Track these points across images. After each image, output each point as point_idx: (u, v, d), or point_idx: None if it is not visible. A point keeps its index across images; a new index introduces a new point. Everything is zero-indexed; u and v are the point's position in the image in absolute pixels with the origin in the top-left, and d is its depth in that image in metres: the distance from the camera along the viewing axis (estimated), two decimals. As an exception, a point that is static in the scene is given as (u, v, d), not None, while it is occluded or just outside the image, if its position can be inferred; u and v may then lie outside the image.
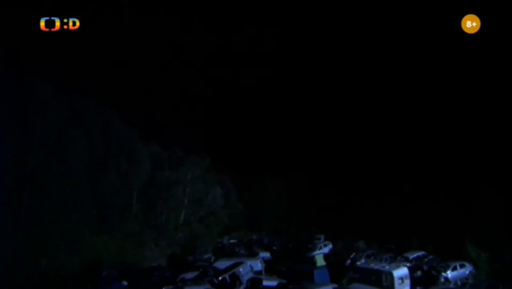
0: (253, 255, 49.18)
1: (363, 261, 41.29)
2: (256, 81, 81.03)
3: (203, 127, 71.35)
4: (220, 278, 36.27)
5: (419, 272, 36.64)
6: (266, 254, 49.34)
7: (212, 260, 46.98)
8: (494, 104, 44.90)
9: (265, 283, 34.66)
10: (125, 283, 36.16)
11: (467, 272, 36.07)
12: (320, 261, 42.58)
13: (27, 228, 40.09)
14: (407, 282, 33.24)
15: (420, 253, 40.80)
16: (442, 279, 34.82)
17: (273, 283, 34.89)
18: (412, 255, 40.32)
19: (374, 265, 36.10)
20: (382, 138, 61.31)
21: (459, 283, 34.51)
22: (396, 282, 32.17)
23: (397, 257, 41.27)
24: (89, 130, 48.54)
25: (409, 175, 53.67)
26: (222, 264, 41.09)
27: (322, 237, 55.53)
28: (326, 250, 49.73)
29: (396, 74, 58.61)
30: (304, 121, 74.65)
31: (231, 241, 60.20)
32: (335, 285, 32.57)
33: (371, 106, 66.28)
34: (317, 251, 48.40)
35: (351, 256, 43.93)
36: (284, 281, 35.43)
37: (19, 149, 40.76)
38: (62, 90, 45.31)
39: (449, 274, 35.21)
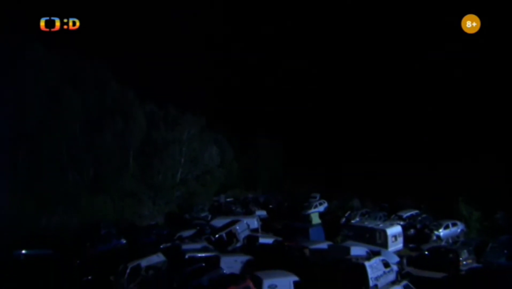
0: (249, 213, 49.76)
1: (357, 219, 41.99)
2: (254, 39, 79.81)
3: (199, 86, 70.71)
4: (217, 235, 36.68)
5: (412, 230, 37.34)
6: (262, 212, 50.00)
7: (209, 218, 47.40)
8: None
9: (261, 240, 34.99)
10: (124, 241, 36.62)
11: (459, 230, 36.79)
12: (316, 219, 43.05)
13: (25, 187, 40.23)
14: (400, 239, 33.98)
15: (414, 211, 41.52)
16: (434, 237, 35.55)
17: (269, 240, 35.21)
18: (406, 214, 41.08)
19: (368, 223, 36.80)
20: (376, 97, 61.35)
21: (450, 241, 35.29)
22: (390, 239, 32.85)
23: (391, 216, 42.05)
24: (84, 89, 47.80)
25: (404, 135, 53.94)
26: (218, 222, 41.50)
27: (318, 195, 56.22)
28: (321, 208, 50.33)
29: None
30: (299, 80, 73.91)
31: (228, 199, 60.70)
32: (330, 243, 33.08)
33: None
34: (313, 210, 49.01)
35: (346, 214, 44.60)
36: (280, 239, 35.76)
37: (14, 109, 40.30)
38: (56, 49, 44.39)
39: (441, 232, 35.89)
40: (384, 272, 23.66)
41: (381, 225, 35.42)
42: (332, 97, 67.41)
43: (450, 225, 36.72)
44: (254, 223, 41.50)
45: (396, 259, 29.10)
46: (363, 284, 22.34)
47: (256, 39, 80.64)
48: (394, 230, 33.90)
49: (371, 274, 22.74)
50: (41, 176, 41.85)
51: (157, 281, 26.03)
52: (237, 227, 36.78)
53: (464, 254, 28.83)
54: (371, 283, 22.35)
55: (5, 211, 35.92)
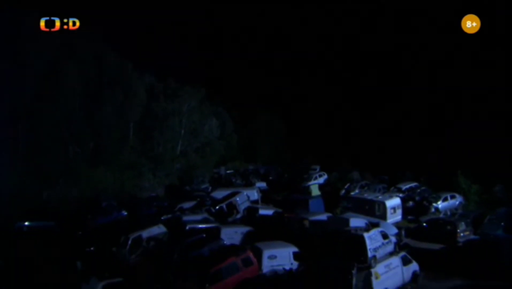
0: (249, 185, 50.10)
1: (357, 191, 42.11)
2: (254, 9, 78.62)
3: (199, 58, 70.08)
4: (217, 207, 37.03)
5: (411, 203, 37.58)
6: (262, 184, 50.27)
7: (209, 190, 47.68)
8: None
9: (261, 211, 35.38)
10: (125, 212, 36.86)
11: (457, 203, 37.07)
12: (315, 191, 43.27)
13: (26, 161, 40.26)
14: (399, 211, 34.31)
15: (413, 184, 41.69)
16: (433, 209, 35.85)
17: (269, 212, 35.60)
18: (405, 186, 41.24)
19: (368, 195, 36.96)
20: (374, 68, 60.99)
21: (449, 213, 35.57)
22: (389, 211, 33.15)
23: (390, 188, 42.24)
24: (83, 62, 47.13)
25: (404, 106, 53.78)
26: (219, 193, 41.83)
27: (318, 167, 56.32)
28: (321, 180, 50.47)
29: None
30: (300, 53, 73.18)
31: (228, 171, 60.94)
32: (329, 214, 33.24)
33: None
34: (312, 181, 49.13)
35: (346, 186, 44.76)
36: (279, 210, 36.12)
37: (13, 83, 39.92)
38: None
39: (440, 204, 36.20)
40: (383, 243, 23.84)
41: (380, 197, 35.63)
42: (333, 71, 66.92)
43: (449, 198, 37.00)
44: (254, 194, 41.77)
45: (395, 230, 29.37)
46: (361, 255, 22.56)
47: (258, 10, 79.47)
48: (393, 202, 34.17)
49: (369, 245, 22.91)
50: (42, 150, 41.75)
51: (158, 252, 26.35)
52: (237, 199, 37.11)
53: (462, 226, 29.18)
54: (369, 254, 22.53)
55: (6, 184, 36.01)
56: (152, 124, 51.72)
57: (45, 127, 42.63)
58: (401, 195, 38.08)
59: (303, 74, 70.72)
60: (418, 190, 40.28)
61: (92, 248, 27.74)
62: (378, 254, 23.04)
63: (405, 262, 23.43)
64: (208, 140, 57.38)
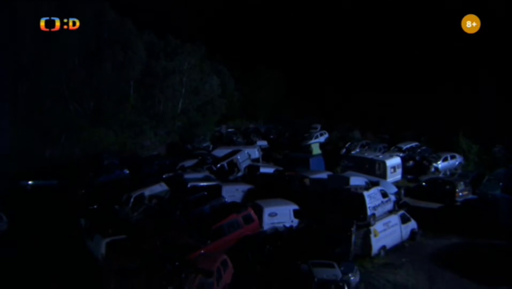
0: (250, 143, 50.29)
1: (357, 150, 42.37)
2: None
3: (199, 15, 68.56)
4: (218, 165, 37.27)
5: (411, 162, 37.85)
6: (263, 142, 50.45)
7: (211, 148, 47.91)
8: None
9: (262, 170, 35.71)
10: (127, 171, 37.00)
11: (457, 163, 37.38)
12: (316, 150, 43.61)
13: (27, 119, 40.13)
14: (399, 171, 34.59)
15: (413, 143, 41.95)
16: (433, 169, 36.13)
17: (270, 170, 35.90)
18: (405, 146, 41.51)
19: (368, 154, 37.20)
20: (378, 28, 59.90)
21: (448, 173, 35.86)
22: (389, 170, 33.40)
23: (390, 147, 42.39)
24: (82, 20, 46.02)
25: (405, 66, 53.20)
26: (220, 152, 42.02)
27: (319, 126, 56.37)
28: (322, 139, 50.67)
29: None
30: (301, 10, 71.56)
31: (229, 129, 60.90)
32: (329, 173, 33.53)
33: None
34: (313, 140, 49.36)
35: (346, 145, 44.98)
36: (280, 168, 36.41)
37: (12, 42, 39.23)
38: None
39: (440, 164, 36.49)
40: (382, 202, 24.20)
41: (380, 156, 35.84)
42: (334, 29, 65.64)
43: (449, 158, 37.26)
44: (255, 153, 41.95)
45: (395, 189, 29.67)
46: (361, 212, 22.93)
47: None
48: (393, 161, 34.38)
49: (369, 203, 23.28)
50: (42, 108, 41.57)
51: (160, 210, 26.72)
52: (238, 157, 37.30)
53: (461, 185, 29.55)
54: (369, 212, 22.93)
55: (8, 143, 36.03)
56: (152, 82, 51.12)
57: (45, 86, 42.27)
58: (401, 154, 38.34)
59: (303, 31, 69.36)
60: (419, 150, 40.52)
61: (95, 206, 28.07)
62: (377, 212, 23.45)
63: (404, 220, 23.84)
64: (209, 98, 56.80)
